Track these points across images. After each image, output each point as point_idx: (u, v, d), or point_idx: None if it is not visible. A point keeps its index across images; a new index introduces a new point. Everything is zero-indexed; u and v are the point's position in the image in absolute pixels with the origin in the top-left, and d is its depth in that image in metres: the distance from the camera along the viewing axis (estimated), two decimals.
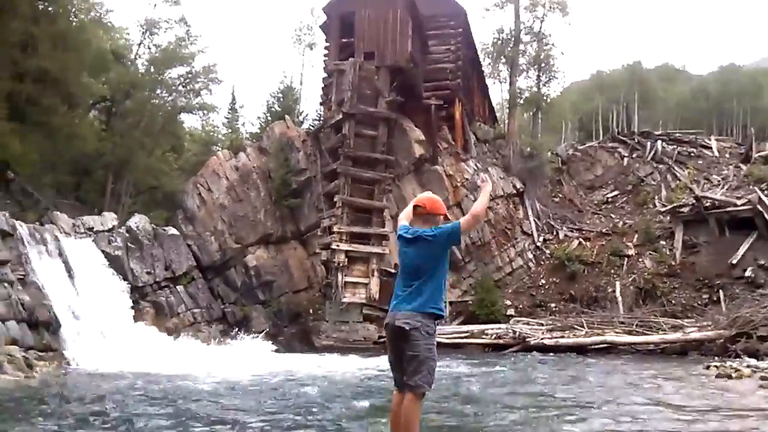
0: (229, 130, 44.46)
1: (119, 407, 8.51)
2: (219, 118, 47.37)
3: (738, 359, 16.88)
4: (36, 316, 15.36)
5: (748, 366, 15.25)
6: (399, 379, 4.01)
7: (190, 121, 70.56)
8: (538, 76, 41.15)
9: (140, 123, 32.68)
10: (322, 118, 32.25)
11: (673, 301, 26.09)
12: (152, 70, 34.45)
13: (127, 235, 23.51)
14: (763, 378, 13.36)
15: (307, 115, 38.83)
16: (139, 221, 24.41)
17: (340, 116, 27.61)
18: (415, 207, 4.34)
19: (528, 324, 24.43)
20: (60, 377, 12.91)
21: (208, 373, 13.94)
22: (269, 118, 36.10)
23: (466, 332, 24.21)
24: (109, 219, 24.27)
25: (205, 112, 41.01)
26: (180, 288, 24.44)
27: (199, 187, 28.15)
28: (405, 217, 4.48)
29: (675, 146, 39.30)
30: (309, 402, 9.55)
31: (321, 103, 33.42)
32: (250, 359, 18.36)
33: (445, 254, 4.11)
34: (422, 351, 3.83)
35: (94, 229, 23.16)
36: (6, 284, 15.05)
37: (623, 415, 8.18)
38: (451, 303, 26.68)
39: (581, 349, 21.29)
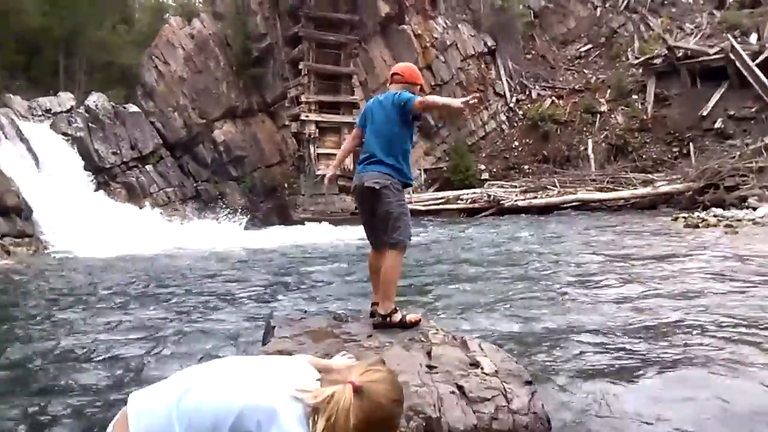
0: None
1: (108, 287, 8.48)
2: None
3: (705, 210, 17.40)
4: (5, 203, 15.02)
5: (715, 216, 15.79)
6: (374, 240, 4.02)
7: None
8: None
9: None
10: None
11: (644, 156, 26.47)
12: None
13: (87, 115, 22.60)
14: (727, 226, 13.90)
15: None
16: (97, 100, 23.37)
17: None
18: (393, 74, 4.16)
19: (502, 187, 24.75)
20: (39, 261, 12.82)
21: (191, 248, 14.01)
22: None
23: (442, 198, 24.48)
24: (66, 99, 23.21)
25: None
26: (149, 168, 23.98)
27: (155, 60, 26.68)
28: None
29: None
30: (294, 268, 9.69)
31: None
32: (231, 234, 18.48)
33: (407, 122, 3.96)
34: (395, 207, 3.82)
35: (52, 111, 22.22)
36: None
37: (607, 267, 8.46)
38: (425, 170, 26.74)
39: (554, 209, 21.79)
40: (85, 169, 20.69)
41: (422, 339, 3.45)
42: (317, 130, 25.18)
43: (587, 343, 4.48)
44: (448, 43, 29.21)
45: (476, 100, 3.61)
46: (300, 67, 25.49)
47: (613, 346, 4.44)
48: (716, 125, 25.71)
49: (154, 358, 4.72)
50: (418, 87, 4.13)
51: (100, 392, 3.98)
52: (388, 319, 3.67)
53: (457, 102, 3.64)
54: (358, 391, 1.62)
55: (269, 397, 1.62)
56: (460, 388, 2.97)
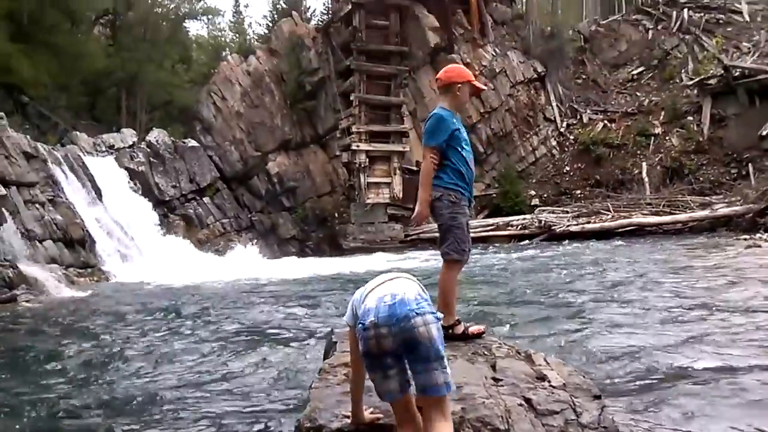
0: (236, 34, 43.24)
1: (171, 315, 8.76)
2: (224, 22, 46.13)
3: (767, 233, 16.69)
4: (70, 235, 15.74)
5: None
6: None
7: (195, 28, 68.71)
8: None
9: (145, 34, 31.89)
10: (330, 12, 30.98)
11: (701, 179, 25.63)
12: None
13: (148, 150, 23.56)
14: None
15: (314, 11, 37.46)
16: (158, 136, 24.37)
17: (349, 7, 26.50)
18: (437, 80, 4.19)
19: (553, 212, 24.31)
20: (102, 292, 13.31)
21: (243, 278, 14.33)
22: (275, 16, 34.92)
23: (491, 225, 24.22)
24: (129, 135, 24.28)
25: (210, 16, 39.87)
26: (206, 200, 24.73)
27: (213, 96, 27.67)
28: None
29: (702, 14, 37.10)
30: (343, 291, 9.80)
31: None
32: (281, 265, 18.81)
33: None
34: (446, 220, 3.92)
35: (115, 147, 23.23)
36: (38, 205, 15.33)
37: (671, 289, 8.25)
38: (474, 197, 26.52)
39: (608, 234, 21.24)
40: (148, 200, 21.54)
41: (486, 352, 3.46)
42: (367, 160, 25.51)
43: (657, 362, 4.37)
44: (497, 70, 29.30)
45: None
46: (351, 98, 26.05)
47: (685, 363, 4.31)
48: None
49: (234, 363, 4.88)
50: (459, 85, 4.03)
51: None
52: (449, 331, 3.69)
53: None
54: None
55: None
56: (527, 400, 2.96)
